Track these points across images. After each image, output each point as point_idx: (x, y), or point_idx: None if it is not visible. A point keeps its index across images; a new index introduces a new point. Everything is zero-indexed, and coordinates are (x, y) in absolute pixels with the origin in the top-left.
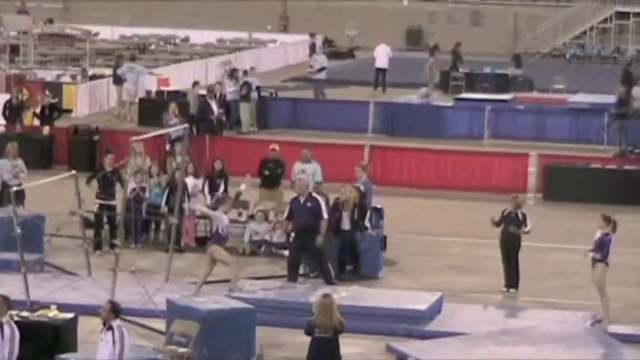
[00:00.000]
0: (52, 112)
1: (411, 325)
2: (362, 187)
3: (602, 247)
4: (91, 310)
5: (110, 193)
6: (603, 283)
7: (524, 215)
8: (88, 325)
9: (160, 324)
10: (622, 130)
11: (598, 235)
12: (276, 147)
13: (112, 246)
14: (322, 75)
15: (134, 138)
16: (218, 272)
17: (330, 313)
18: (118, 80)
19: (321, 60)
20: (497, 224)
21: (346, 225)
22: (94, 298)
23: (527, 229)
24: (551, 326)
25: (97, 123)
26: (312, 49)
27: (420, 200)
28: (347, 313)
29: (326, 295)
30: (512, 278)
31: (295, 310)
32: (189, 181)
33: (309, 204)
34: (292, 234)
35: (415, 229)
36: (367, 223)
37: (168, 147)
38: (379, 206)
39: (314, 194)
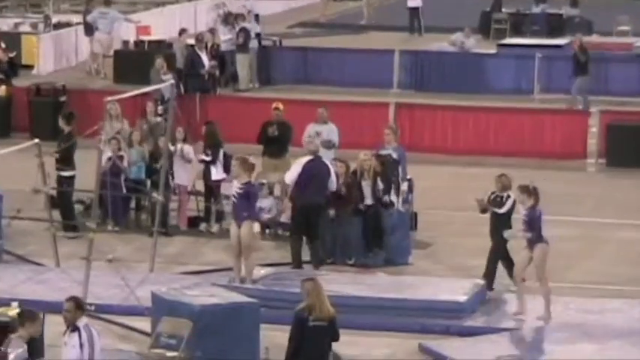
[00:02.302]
0: (12, 69)
1: (449, 320)
2: (393, 154)
3: (533, 225)
4: (60, 308)
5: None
6: (544, 267)
7: (508, 198)
8: (56, 326)
9: (144, 323)
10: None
11: (523, 211)
12: (280, 106)
13: (72, 228)
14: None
15: (109, 98)
16: (217, 260)
17: (324, 297)
18: (89, 29)
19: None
20: (483, 211)
21: (368, 199)
22: (64, 293)
23: (500, 211)
24: (616, 319)
25: (63, 81)
26: None
27: (457, 169)
28: (371, 307)
29: (311, 279)
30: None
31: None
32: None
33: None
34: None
35: (452, 204)
36: (394, 198)
37: (161, 109)
38: (408, 177)
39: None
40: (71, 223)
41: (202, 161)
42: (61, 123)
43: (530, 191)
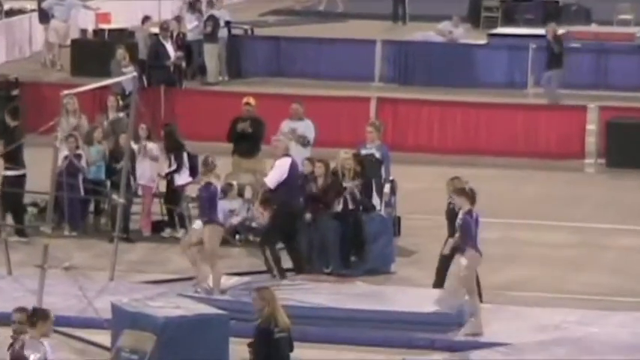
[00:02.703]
0: None
1: (435, 333)
2: (376, 153)
3: (468, 230)
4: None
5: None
6: (473, 279)
7: None
8: (9, 339)
9: (103, 336)
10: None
11: (459, 215)
12: (252, 101)
13: (20, 233)
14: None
15: (66, 92)
16: (182, 268)
17: (280, 306)
18: (44, 17)
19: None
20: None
21: (349, 203)
22: (16, 304)
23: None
24: (617, 333)
25: (16, 73)
26: None
27: (445, 169)
28: (350, 319)
29: (267, 287)
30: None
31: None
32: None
33: None
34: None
35: (438, 207)
36: (376, 201)
37: (122, 104)
38: (391, 178)
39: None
40: (21, 227)
41: (168, 174)
42: (7, 118)
43: (467, 193)
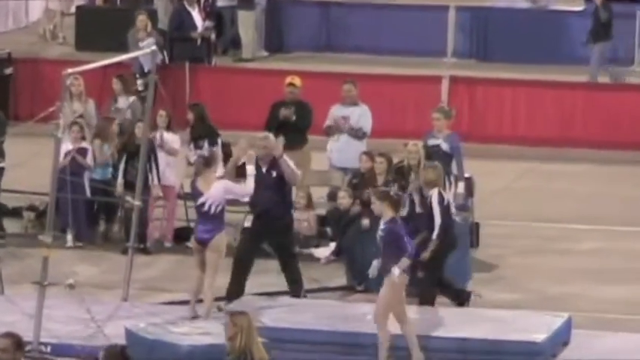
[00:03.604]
0: None
1: None
2: (444, 145)
3: (389, 245)
4: None
5: None
6: (389, 305)
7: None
8: None
9: None
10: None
11: (381, 226)
12: (296, 81)
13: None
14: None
15: (69, 70)
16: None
17: (257, 336)
18: None
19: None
20: None
21: (416, 206)
22: (9, 329)
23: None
24: None
25: (9, 48)
26: None
27: (533, 165)
28: (420, 347)
29: (244, 313)
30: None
31: (316, 344)
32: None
33: (274, 173)
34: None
35: (524, 211)
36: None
37: (141, 84)
38: (466, 175)
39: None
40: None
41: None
42: None
43: (391, 198)
